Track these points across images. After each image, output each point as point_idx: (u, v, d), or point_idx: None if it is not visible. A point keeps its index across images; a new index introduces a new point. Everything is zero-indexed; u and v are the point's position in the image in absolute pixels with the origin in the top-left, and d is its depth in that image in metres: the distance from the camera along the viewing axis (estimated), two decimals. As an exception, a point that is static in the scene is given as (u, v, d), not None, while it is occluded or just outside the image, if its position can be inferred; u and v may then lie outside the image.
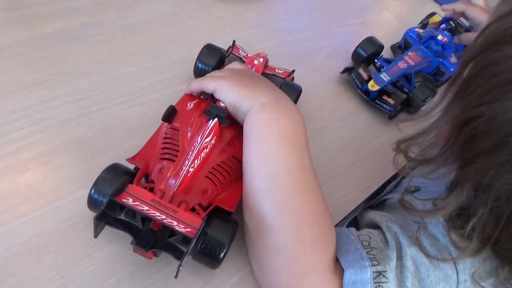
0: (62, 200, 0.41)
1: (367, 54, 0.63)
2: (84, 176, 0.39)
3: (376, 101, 0.59)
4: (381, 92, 0.59)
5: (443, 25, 0.71)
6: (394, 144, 0.42)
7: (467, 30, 0.71)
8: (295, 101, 0.52)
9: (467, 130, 0.31)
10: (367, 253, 0.36)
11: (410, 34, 0.67)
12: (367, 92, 0.59)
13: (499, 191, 0.29)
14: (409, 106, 0.60)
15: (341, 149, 0.56)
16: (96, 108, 0.49)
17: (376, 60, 0.64)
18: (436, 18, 0.74)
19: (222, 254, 0.37)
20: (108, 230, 0.37)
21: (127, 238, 0.35)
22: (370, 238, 0.39)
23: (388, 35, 0.71)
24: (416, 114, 0.61)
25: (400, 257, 0.36)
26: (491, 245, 0.33)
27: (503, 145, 0.28)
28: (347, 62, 0.67)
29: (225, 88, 0.43)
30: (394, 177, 0.54)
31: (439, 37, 0.64)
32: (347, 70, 0.63)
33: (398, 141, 0.41)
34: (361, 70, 0.61)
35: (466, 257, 0.35)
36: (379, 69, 0.63)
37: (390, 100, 0.59)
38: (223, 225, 0.38)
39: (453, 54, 0.64)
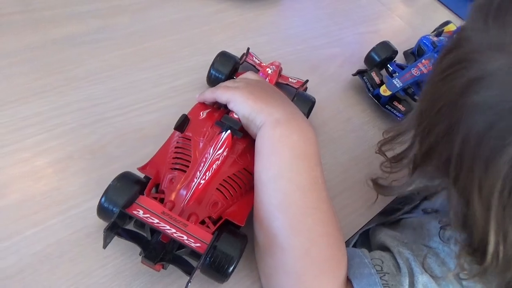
0: (77, 209, 0.41)
1: (381, 59, 0.63)
2: (98, 184, 0.39)
3: (386, 106, 0.59)
4: (392, 98, 0.59)
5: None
6: (375, 147, 0.44)
7: None
8: (309, 113, 0.52)
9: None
10: (380, 278, 0.36)
11: (425, 41, 0.66)
12: (378, 97, 0.59)
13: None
14: None
15: (354, 160, 0.55)
16: (110, 114, 0.49)
17: (388, 65, 0.63)
18: (451, 27, 0.73)
19: (231, 269, 0.36)
20: (121, 241, 0.38)
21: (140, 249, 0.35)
22: (382, 262, 0.38)
23: (401, 43, 0.70)
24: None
25: (412, 284, 0.36)
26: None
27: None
28: (361, 71, 0.67)
29: (239, 100, 0.43)
30: (411, 197, 0.53)
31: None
32: (359, 72, 0.62)
33: (379, 142, 0.43)
34: (373, 74, 0.61)
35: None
36: (391, 74, 0.63)
37: (400, 107, 0.58)
38: (232, 239, 0.38)
39: None
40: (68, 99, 0.49)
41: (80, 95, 0.50)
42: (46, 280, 0.37)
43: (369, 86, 0.60)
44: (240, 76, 0.50)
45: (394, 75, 0.62)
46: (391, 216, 0.54)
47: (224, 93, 0.44)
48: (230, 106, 0.43)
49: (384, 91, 0.58)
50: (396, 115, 0.58)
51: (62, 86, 0.50)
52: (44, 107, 0.47)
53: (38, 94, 0.49)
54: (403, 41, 0.73)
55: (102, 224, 0.40)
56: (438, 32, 0.72)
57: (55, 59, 0.52)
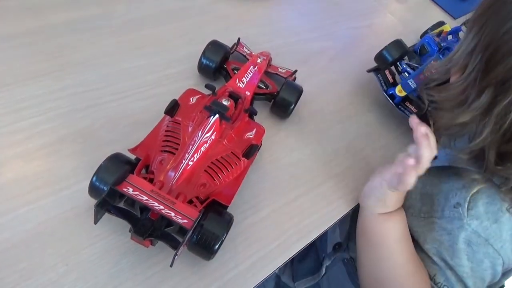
0: (68, 190, 0.43)
1: (393, 58, 0.61)
2: (89, 167, 0.40)
3: (399, 106, 0.59)
4: (404, 98, 0.59)
5: (450, 36, 0.71)
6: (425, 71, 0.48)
7: None
8: (296, 101, 0.53)
9: (495, 43, 0.39)
10: None
11: (428, 41, 0.66)
12: (392, 96, 0.59)
13: None
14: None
15: (341, 150, 0.57)
16: (103, 100, 0.51)
17: (398, 64, 0.62)
18: (447, 27, 0.73)
19: (217, 246, 0.38)
20: (110, 221, 0.39)
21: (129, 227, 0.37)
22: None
23: (392, 39, 0.72)
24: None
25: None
26: None
27: None
28: (351, 64, 0.68)
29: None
30: None
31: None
32: (375, 70, 0.62)
33: (428, 65, 0.48)
34: (387, 72, 0.61)
35: None
36: (400, 73, 0.62)
37: (413, 108, 0.58)
38: (218, 218, 0.39)
39: None
40: (63, 83, 0.50)
41: (76, 80, 0.51)
42: (38, 256, 0.38)
43: (383, 84, 0.60)
44: None
45: (403, 74, 0.60)
46: None
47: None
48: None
49: (400, 91, 0.58)
50: (407, 115, 0.57)
51: (58, 71, 0.51)
52: (40, 91, 0.49)
53: (34, 78, 0.50)
54: (394, 37, 0.74)
55: (93, 204, 0.41)
56: (439, 32, 0.72)
57: (53, 44, 0.54)
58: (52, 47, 0.53)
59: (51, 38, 0.54)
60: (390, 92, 0.59)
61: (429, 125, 0.59)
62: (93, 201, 0.40)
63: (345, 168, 0.55)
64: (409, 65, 0.62)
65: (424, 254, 0.46)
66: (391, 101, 0.59)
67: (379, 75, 0.61)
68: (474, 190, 0.44)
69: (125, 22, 0.60)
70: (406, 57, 0.63)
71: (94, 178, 0.39)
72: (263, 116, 0.56)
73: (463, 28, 0.69)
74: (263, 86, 0.55)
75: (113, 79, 0.53)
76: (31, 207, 0.41)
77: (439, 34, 0.71)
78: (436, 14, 0.91)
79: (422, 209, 0.49)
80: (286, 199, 0.50)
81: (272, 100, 0.54)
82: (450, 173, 0.48)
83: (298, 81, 0.61)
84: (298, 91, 0.54)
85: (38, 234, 0.40)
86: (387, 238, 0.46)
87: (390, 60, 0.61)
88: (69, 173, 0.44)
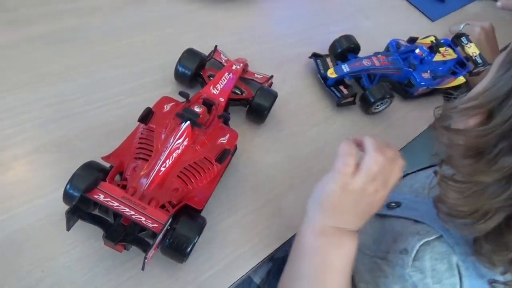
0: (43, 199, 0.44)
1: (342, 48, 0.68)
2: (64, 176, 0.41)
3: (331, 87, 0.64)
4: (340, 81, 0.64)
5: (418, 50, 0.72)
6: (437, 112, 0.40)
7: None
8: (270, 106, 0.55)
9: None
10: None
11: (392, 42, 0.70)
12: (325, 78, 0.64)
13: None
14: (365, 104, 0.63)
15: (314, 153, 0.58)
16: (78, 110, 0.51)
17: (349, 57, 0.68)
18: (429, 39, 0.75)
19: (189, 249, 0.39)
20: (85, 228, 0.40)
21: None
22: None
23: (367, 42, 0.74)
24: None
25: None
26: None
27: None
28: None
29: (333, 186, 0.40)
30: None
31: (417, 51, 0.66)
32: (314, 55, 0.67)
33: (445, 106, 0.40)
34: (328, 59, 0.66)
35: None
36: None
37: (344, 90, 0.63)
38: (190, 222, 0.40)
39: (429, 70, 0.67)
40: (39, 95, 0.51)
41: (51, 92, 0.52)
42: (14, 263, 0.39)
43: (320, 68, 0.65)
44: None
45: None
46: None
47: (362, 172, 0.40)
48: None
49: (331, 73, 0.63)
50: (337, 96, 0.63)
51: (34, 83, 0.52)
52: (15, 103, 0.49)
53: (10, 91, 0.51)
54: (368, 40, 0.76)
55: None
56: (411, 38, 0.75)
57: (29, 57, 0.55)
58: (28, 60, 0.54)
59: (27, 51, 0.55)
60: (324, 75, 0.64)
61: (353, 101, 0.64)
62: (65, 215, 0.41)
63: (321, 169, 0.56)
64: (357, 58, 0.67)
65: None
66: (323, 81, 0.65)
67: (318, 60, 0.67)
68: (425, 240, 0.41)
69: (101, 33, 0.61)
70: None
71: (68, 186, 0.40)
72: (239, 121, 0.57)
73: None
74: (238, 92, 0.56)
75: (89, 89, 0.54)
76: (7, 216, 0.42)
77: (410, 41, 0.73)
78: (414, 17, 0.93)
79: (371, 246, 0.48)
80: (262, 202, 0.51)
81: (248, 106, 0.55)
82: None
83: (274, 86, 0.62)
84: (273, 96, 0.55)
85: (14, 241, 0.40)
86: (330, 264, 0.41)
87: (339, 50, 0.68)
88: (44, 182, 0.44)
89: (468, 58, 0.69)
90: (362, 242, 0.44)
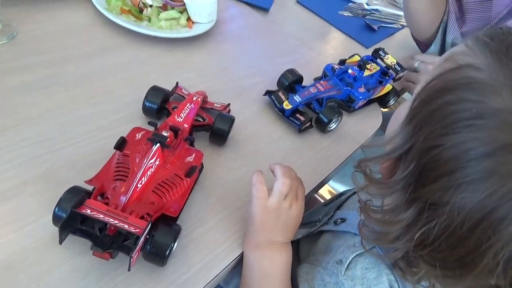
0: (34, 224, 0.49)
1: (288, 82, 0.77)
2: (52, 202, 0.46)
3: (290, 117, 0.73)
4: (295, 111, 0.73)
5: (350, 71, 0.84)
6: (355, 162, 0.46)
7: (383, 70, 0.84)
8: (229, 129, 0.63)
9: (430, 155, 0.35)
10: None
11: (328, 67, 0.82)
12: (282, 110, 0.73)
13: (453, 207, 0.34)
14: (320, 125, 0.73)
15: (273, 166, 0.67)
16: (60, 146, 0.58)
17: (296, 87, 0.78)
18: (355, 58, 0.88)
19: (167, 253, 0.46)
20: (75, 244, 0.46)
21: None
22: None
23: (311, 70, 0.85)
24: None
25: None
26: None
27: (462, 169, 0.33)
28: (278, 94, 0.80)
29: (257, 208, 0.53)
30: (330, 200, 0.66)
31: (349, 71, 0.78)
32: (268, 92, 0.76)
33: (360, 160, 0.46)
34: (280, 93, 0.75)
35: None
36: (295, 93, 0.76)
37: (301, 117, 0.72)
38: (167, 229, 0.47)
39: (363, 85, 0.79)
40: (24, 135, 0.57)
41: (35, 132, 0.58)
42: (11, 281, 0.44)
43: (276, 102, 0.74)
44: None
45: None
46: (311, 228, 0.64)
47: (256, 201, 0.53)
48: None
49: (287, 105, 0.72)
50: (296, 124, 0.72)
51: (18, 126, 0.58)
52: (3, 143, 0.55)
53: (-2, 133, 0.57)
54: (313, 68, 0.88)
55: (58, 233, 0.47)
56: (341, 61, 0.87)
57: (12, 102, 0.61)
58: (11, 105, 0.60)
59: (9, 98, 0.61)
60: (281, 108, 0.73)
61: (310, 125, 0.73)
62: (58, 230, 0.47)
63: (278, 180, 0.65)
64: (303, 87, 0.77)
65: None
66: (281, 114, 0.73)
67: (272, 96, 0.75)
68: (358, 252, 0.49)
69: (76, 78, 0.68)
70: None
71: (56, 209, 0.46)
72: (204, 144, 0.65)
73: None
74: (200, 119, 0.65)
75: (68, 127, 0.60)
76: (1, 242, 0.47)
77: (341, 63, 0.85)
78: (351, 46, 1.07)
79: (318, 258, 0.55)
80: (230, 211, 0.58)
81: (210, 130, 0.63)
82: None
83: (233, 113, 0.71)
84: (230, 120, 0.64)
85: (10, 263, 0.45)
86: (266, 273, 0.52)
87: (286, 84, 0.78)
88: (34, 210, 0.50)
89: (389, 67, 0.82)
90: (313, 258, 0.56)
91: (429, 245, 0.37)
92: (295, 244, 0.66)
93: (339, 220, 0.58)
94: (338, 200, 0.71)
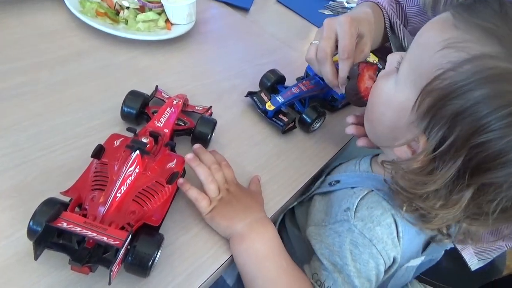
0: (7, 240, 0.47)
1: (270, 82, 0.76)
2: (26, 216, 0.44)
3: (273, 118, 0.72)
4: (278, 111, 0.72)
5: None
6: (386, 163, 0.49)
7: None
8: (211, 132, 0.62)
9: (477, 151, 0.39)
10: None
11: (310, 67, 0.80)
12: (265, 111, 0.71)
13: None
14: (304, 125, 0.72)
15: (257, 168, 0.65)
16: (35, 156, 0.55)
17: (278, 88, 0.77)
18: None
19: (150, 263, 0.44)
20: (50, 259, 0.44)
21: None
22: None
23: (293, 70, 0.84)
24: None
25: None
26: None
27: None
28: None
29: (209, 219, 0.54)
30: (319, 175, 0.68)
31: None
32: (250, 93, 0.75)
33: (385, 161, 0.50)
34: (262, 94, 0.74)
35: None
36: (277, 94, 0.74)
37: (284, 118, 0.71)
38: (149, 239, 0.45)
39: None
40: (-6, 147, 0.55)
41: (6, 143, 0.56)
42: (-16, 302, 0.42)
43: (258, 104, 0.73)
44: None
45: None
46: (304, 195, 0.66)
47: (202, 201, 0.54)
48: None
49: (269, 106, 0.71)
50: (279, 124, 0.71)
51: (-12, 137, 0.56)
52: (-28, 156, 0.53)
53: (-34, 146, 0.54)
54: (294, 68, 0.87)
55: (32, 249, 0.45)
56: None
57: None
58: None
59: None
60: (263, 109, 0.72)
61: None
62: (31, 246, 0.44)
63: (267, 181, 0.64)
64: (285, 87, 0.76)
65: (318, 262, 0.52)
66: (264, 115, 0.72)
67: (254, 97, 0.74)
68: (362, 195, 0.52)
69: (50, 85, 0.66)
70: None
71: (31, 223, 0.43)
72: (186, 149, 0.63)
73: None
74: (182, 123, 0.63)
75: (43, 135, 0.58)
76: (-27, 260, 0.44)
77: None
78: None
79: (325, 219, 0.57)
80: (214, 217, 0.57)
81: (191, 134, 0.62)
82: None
83: (214, 115, 0.69)
84: (212, 123, 0.62)
85: (-16, 282, 0.43)
86: (259, 254, 0.52)
87: (268, 84, 0.76)
88: (7, 224, 0.48)
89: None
90: (317, 220, 0.58)
91: (482, 215, 0.44)
92: (291, 214, 0.69)
93: (334, 182, 0.61)
94: (327, 169, 0.71)
